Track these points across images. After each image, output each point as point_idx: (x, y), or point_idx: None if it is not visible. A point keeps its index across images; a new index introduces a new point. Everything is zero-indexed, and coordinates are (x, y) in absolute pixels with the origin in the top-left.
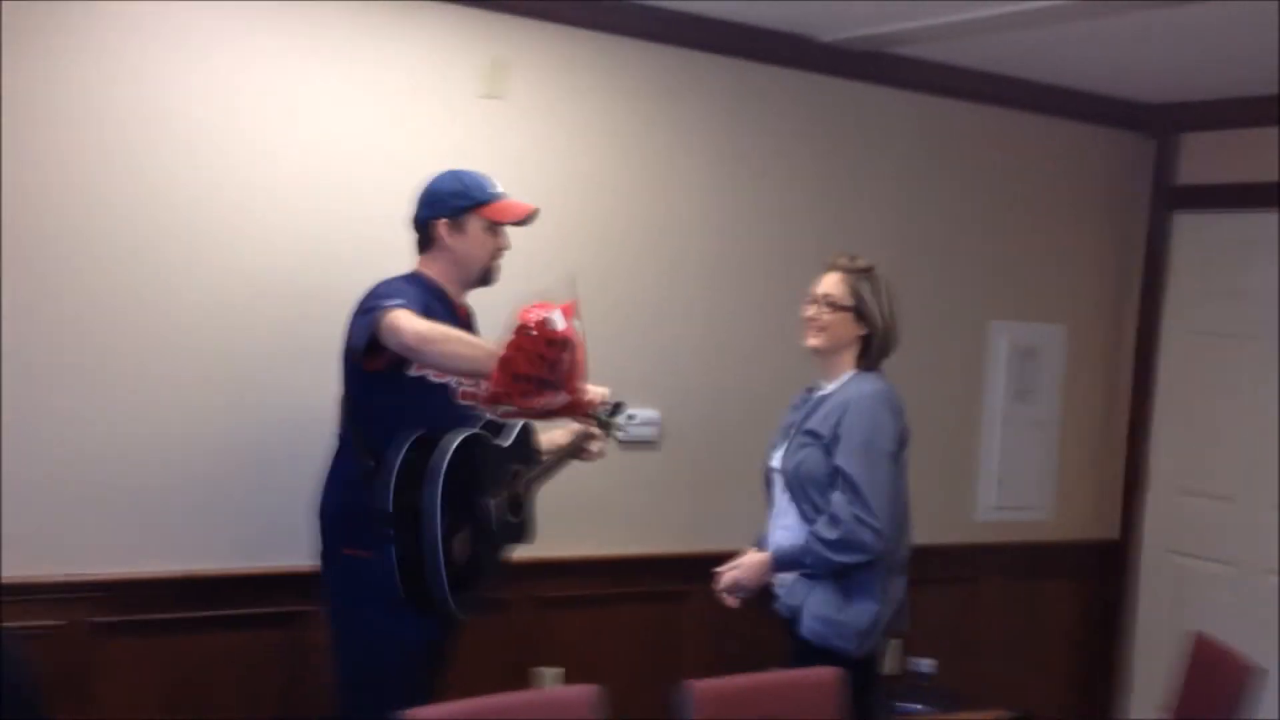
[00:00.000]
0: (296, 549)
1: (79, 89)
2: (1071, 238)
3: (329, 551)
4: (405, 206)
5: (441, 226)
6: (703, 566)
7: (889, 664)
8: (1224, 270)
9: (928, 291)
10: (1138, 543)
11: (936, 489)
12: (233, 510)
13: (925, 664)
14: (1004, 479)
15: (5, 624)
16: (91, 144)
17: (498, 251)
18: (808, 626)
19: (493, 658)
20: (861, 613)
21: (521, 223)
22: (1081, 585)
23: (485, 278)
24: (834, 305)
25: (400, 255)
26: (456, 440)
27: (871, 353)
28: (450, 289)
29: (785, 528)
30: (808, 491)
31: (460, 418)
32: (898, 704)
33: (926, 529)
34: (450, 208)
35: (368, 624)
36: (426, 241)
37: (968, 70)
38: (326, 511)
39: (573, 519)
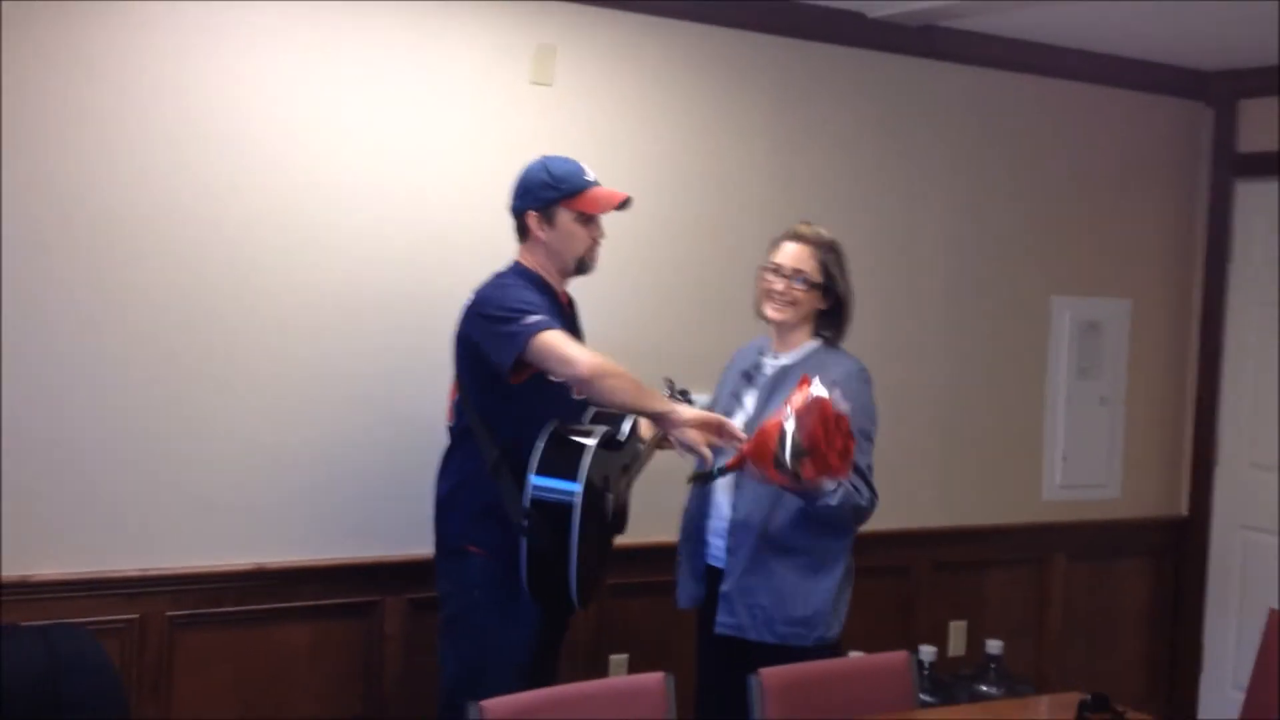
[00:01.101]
0: (367, 540)
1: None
2: (1133, 210)
3: (448, 546)
4: (467, 197)
5: (532, 218)
6: None
7: (955, 646)
8: None
9: (988, 268)
10: (1207, 519)
11: (1002, 469)
12: (303, 502)
13: (994, 645)
14: (1070, 457)
15: (81, 619)
16: (110, 147)
17: (592, 242)
18: (781, 633)
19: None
20: (828, 591)
21: (619, 208)
22: (1151, 563)
23: (582, 267)
24: (807, 282)
25: (468, 246)
26: (598, 437)
27: (836, 325)
28: (551, 278)
29: (753, 499)
30: None
31: (579, 408)
32: (971, 686)
33: (992, 509)
34: (539, 199)
35: (483, 621)
36: (523, 231)
37: (1021, 42)
38: (447, 506)
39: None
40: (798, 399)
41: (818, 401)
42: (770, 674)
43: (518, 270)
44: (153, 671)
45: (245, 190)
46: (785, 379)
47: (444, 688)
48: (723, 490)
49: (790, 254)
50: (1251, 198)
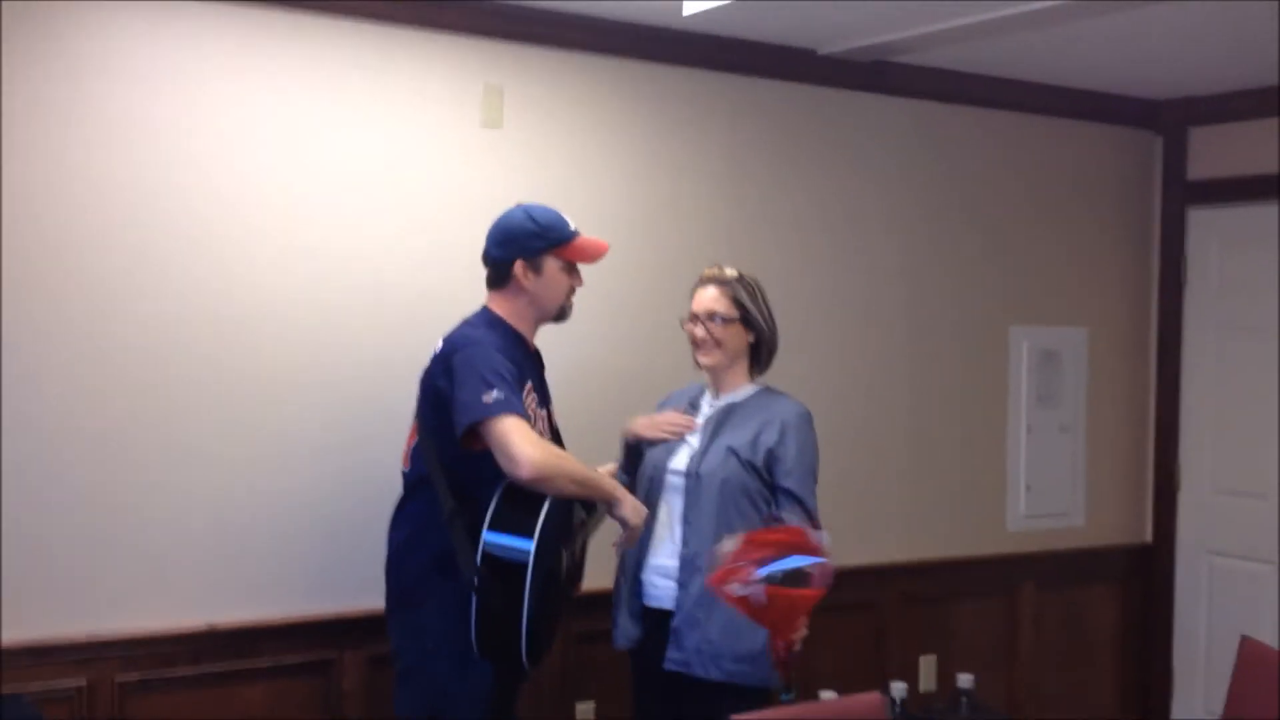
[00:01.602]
0: (322, 594)
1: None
2: (1086, 239)
3: (400, 597)
4: (427, 243)
5: (518, 267)
6: None
7: (925, 681)
8: (1243, 264)
9: (945, 300)
10: (1172, 544)
11: (966, 500)
12: (255, 557)
13: (965, 679)
14: (1033, 486)
15: (24, 688)
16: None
17: (573, 290)
18: (728, 670)
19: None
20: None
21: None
22: (1118, 590)
23: (561, 314)
24: (722, 320)
25: (424, 295)
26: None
27: (762, 357)
28: (524, 329)
29: (703, 534)
30: (739, 504)
31: None
32: None
33: (958, 541)
34: (526, 249)
35: (439, 673)
36: (500, 280)
37: (970, 75)
38: (400, 556)
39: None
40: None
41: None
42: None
43: (488, 320)
44: None
45: (193, 237)
46: (730, 416)
47: None
48: (665, 526)
49: (703, 299)
50: (1203, 223)
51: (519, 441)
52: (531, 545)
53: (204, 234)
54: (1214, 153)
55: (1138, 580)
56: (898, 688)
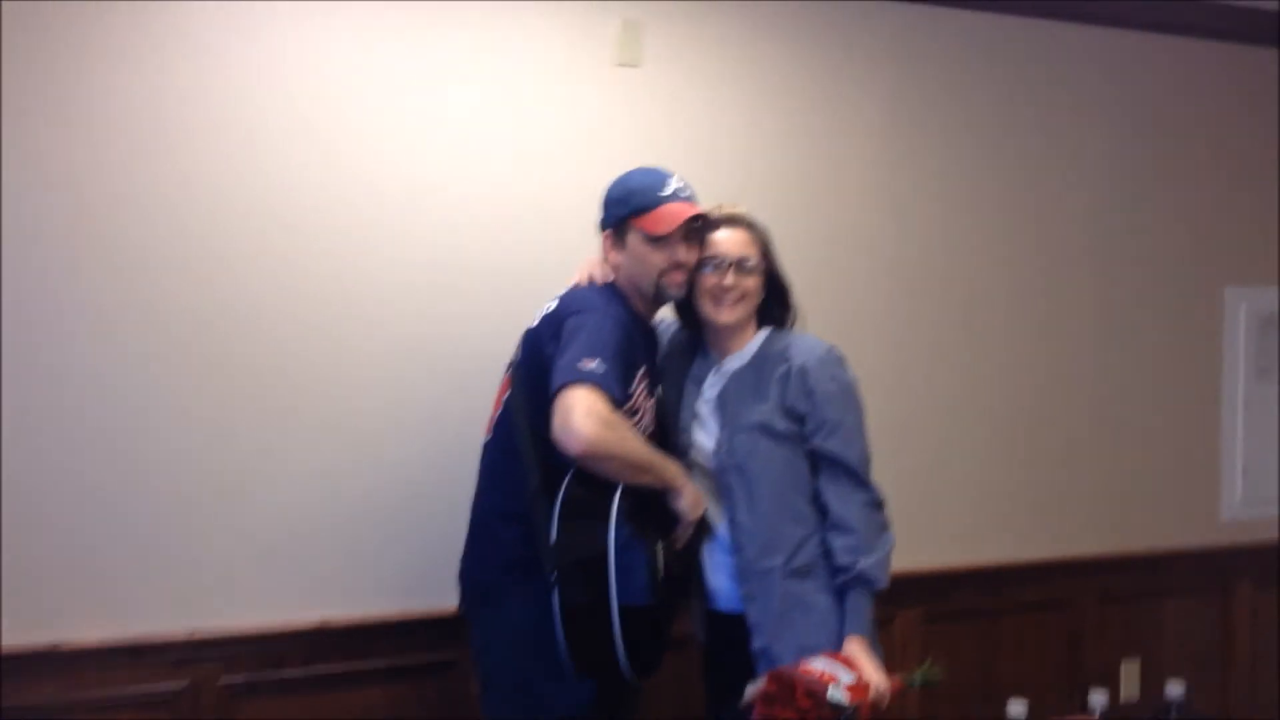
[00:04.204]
0: (444, 590)
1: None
2: None
3: (479, 590)
4: (547, 199)
5: (606, 238)
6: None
7: (1127, 689)
8: None
9: (1148, 256)
10: None
11: (1173, 486)
12: (372, 550)
13: (1175, 688)
14: (1250, 471)
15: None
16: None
17: (671, 267)
18: None
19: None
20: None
21: (690, 226)
22: None
23: (659, 296)
24: (753, 270)
25: (548, 262)
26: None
27: (781, 314)
28: (638, 305)
29: (757, 528)
30: (790, 492)
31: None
32: None
33: (1164, 532)
34: (611, 216)
35: (527, 681)
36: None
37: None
38: (479, 542)
39: None
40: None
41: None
42: None
43: (611, 292)
44: None
45: (294, 202)
46: (744, 387)
47: None
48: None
49: (730, 243)
50: None
51: (581, 414)
52: (610, 532)
53: (312, 206)
54: None
55: None
56: (1097, 698)
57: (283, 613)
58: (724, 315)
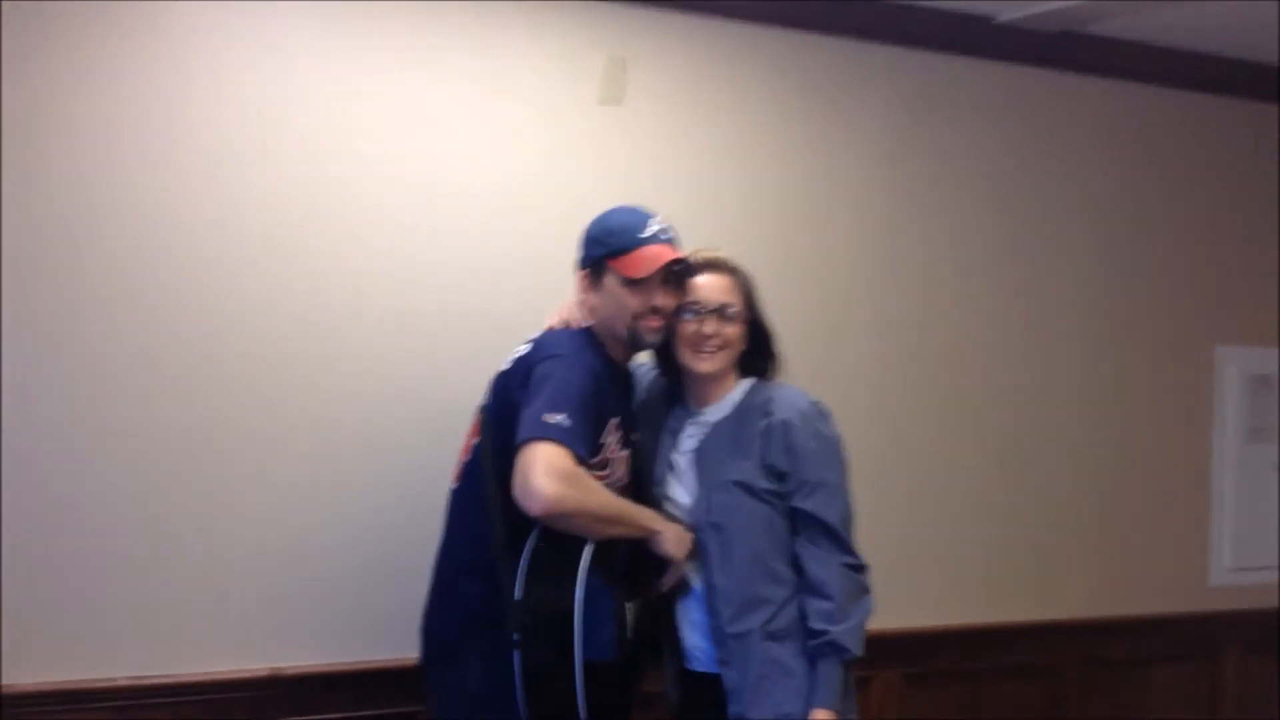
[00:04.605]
0: (403, 640)
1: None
2: None
3: (440, 648)
4: (525, 239)
5: (580, 278)
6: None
7: None
8: None
9: (1139, 314)
10: None
11: (1161, 549)
12: (328, 596)
13: None
14: (1241, 535)
15: None
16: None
17: (646, 311)
18: None
19: None
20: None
21: (669, 270)
22: None
23: (634, 341)
24: (735, 318)
25: (525, 303)
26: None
27: (768, 366)
28: (611, 349)
29: (731, 591)
30: (767, 555)
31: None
32: None
33: (1151, 597)
34: (588, 256)
35: None
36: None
37: (1177, 51)
38: (442, 597)
39: None
40: None
41: None
42: None
43: (585, 338)
44: None
45: (259, 241)
46: (723, 441)
47: None
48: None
49: (711, 289)
50: None
51: (540, 472)
52: (577, 590)
53: (285, 237)
54: None
55: None
56: None
57: (232, 660)
58: (703, 364)
